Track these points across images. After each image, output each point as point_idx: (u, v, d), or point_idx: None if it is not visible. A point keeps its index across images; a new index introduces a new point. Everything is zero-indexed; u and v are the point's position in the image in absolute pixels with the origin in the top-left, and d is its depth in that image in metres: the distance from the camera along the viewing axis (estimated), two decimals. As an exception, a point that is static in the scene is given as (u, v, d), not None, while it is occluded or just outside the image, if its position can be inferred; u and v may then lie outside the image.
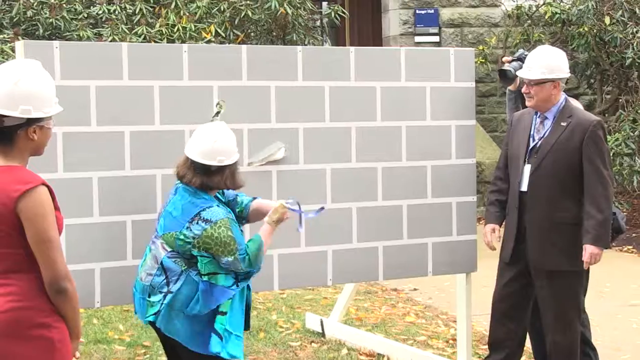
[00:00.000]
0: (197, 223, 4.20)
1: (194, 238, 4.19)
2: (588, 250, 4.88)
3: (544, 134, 5.03)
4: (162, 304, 4.24)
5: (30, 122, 3.16)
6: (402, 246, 5.47)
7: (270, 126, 5.11)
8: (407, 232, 5.48)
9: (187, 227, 4.21)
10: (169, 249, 4.28)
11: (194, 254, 4.22)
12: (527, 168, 5.03)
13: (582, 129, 4.96)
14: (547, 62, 5.00)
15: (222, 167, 4.30)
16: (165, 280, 4.26)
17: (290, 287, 5.22)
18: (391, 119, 5.43)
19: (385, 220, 5.42)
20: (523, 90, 5.08)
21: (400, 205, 5.46)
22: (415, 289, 8.41)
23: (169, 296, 4.23)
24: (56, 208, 3.19)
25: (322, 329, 6.68)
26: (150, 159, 4.80)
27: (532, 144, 5.05)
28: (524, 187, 5.02)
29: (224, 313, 4.25)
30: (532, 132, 5.07)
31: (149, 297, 4.29)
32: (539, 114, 5.08)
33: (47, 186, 3.15)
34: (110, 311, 7.24)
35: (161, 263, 4.28)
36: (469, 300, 5.68)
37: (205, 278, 4.22)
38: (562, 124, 5.01)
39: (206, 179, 4.29)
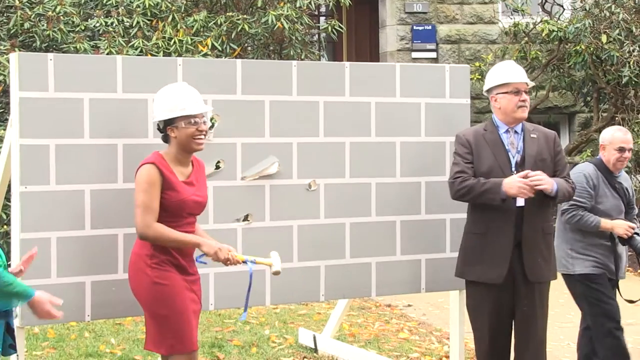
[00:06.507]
0: None
1: None
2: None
3: (521, 148, 5.01)
4: None
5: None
6: (395, 262, 5.46)
7: (264, 140, 5.11)
8: (400, 249, 5.47)
9: None
10: None
11: None
12: None
13: (550, 139, 5.08)
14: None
15: None
16: None
17: (282, 303, 5.21)
18: (386, 135, 5.43)
19: (379, 236, 5.41)
20: (521, 99, 4.98)
21: (393, 221, 5.45)
22: (409, 305, 8.39)
23: None
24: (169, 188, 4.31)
25: (315, 345, 6.65)
26: (143, 172, 4.78)
27: (513, 158, 4.99)
28: (521, 202, 4.92)
29: None
30: (507, 147, 5.00)
31: None
32: (506, 128, 5.02)
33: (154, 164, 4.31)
34: (102, 324, 7.21)
35: None
36: (462, 317, 5.66)
37: None
38: (532, 136, 5.04)
39: None
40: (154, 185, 4.28)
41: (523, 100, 4.99)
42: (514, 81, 5.01)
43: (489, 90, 5.10)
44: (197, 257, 4.49)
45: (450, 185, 5.04)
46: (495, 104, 5.05)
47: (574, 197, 5.38)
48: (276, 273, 4.51)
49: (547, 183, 4.86)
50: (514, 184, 4.82)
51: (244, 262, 4.45)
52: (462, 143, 5.06)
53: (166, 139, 4.43)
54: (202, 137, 4.40)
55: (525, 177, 4.84)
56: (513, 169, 4.97)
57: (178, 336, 4.30)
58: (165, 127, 4.39)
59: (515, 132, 5.04)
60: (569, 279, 5.69)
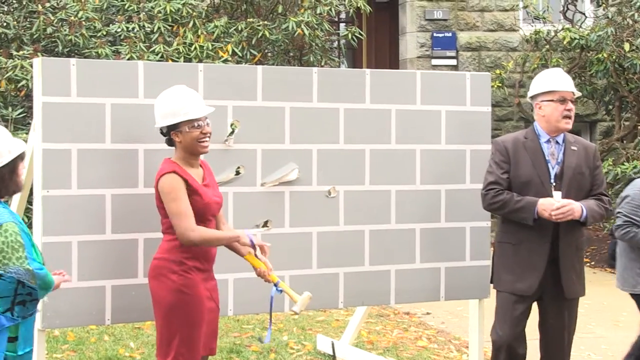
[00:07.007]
0: None
1: None
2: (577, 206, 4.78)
3: (561, 159, 4.93)
4: None
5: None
6: (414, 270, 5.44)
7: (284, 147, 5.11)
8: (419, 256, 5.45)
9: None
10: None
11: None
12: (558, 195, 4.85)
13: (590, 152, 4.98)
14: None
15: None
16: None
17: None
18: (406, 142, 5.42)
19: (398, 244, 5.40)
20: (567, 108, 4.88)
21: (413, 229, 5.44)
22: (427, 313, 8.35)
23: None
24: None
25: (333, 351, 6.63)
26: (164, 177, 4.79)
27: (552, 169, 4.92)
28: None
29: (14, 339, 3.70)
30: (547, 157, 4.95)
31: None
32: (547, 137, 4.97)
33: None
34: (122, 328, 7.23)
35: None
36: (481, 326, 5.64)
37: None
38: (573, 148, 4.95)
39: None
40: (183, 191, 4.28)
41: (569, 110, 4.89)
42: (560, 89, 4.90)
43: (533, 97, 4.99)
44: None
45: (483, 197, 4.99)
46: (539, 111, 4.94)
47: (628, 214, 5.30)
48: (293, 312, 4.50)
49: (576, 212, 4.76)
50: (548, 208, 4.74)
51: (275, 284, 4.44)
52: (500, 150, 4.96)
53: (171, 143, 4.44)
54: (207, 139, 4.39)
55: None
56: (552, 180, 4.88)
57: (185, 345, 4.30)
58: (169, 131, 4.39)
59: (557, 142, 4.95)
60: (637, 298, 5.58)
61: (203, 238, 4.28)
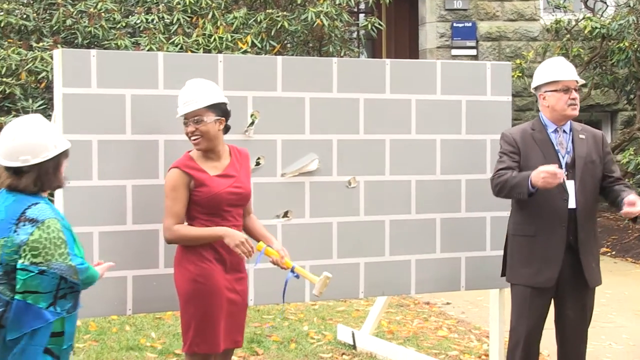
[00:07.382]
0: (24, 225, 3.57)
1: (20, 246, 3.55)
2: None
3: (570, 148, 4.90)
4: None
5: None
6: (435, 260, 5.44)
7: (304, 137, 5.11)
8: (440, 246, 5.44)
9: (15, 231, 3.57)
10: None
11: (18, 266, 3.55)
12: (571, 184, 4.83)
13: (598, 140, 4.96)
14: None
15: (32, 167, 3.64)
16: None
17: (321, 299, 5.22)
18: (426, 132, 5.40)
19: (419, 234, 5.39)
20: (571, 97, 4.85)
21: (433, 219, 5.42)
22: (448, 303, 8.35)
23: None
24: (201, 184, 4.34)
25: (354, 341, 6.64)
26: (184, 168, 4.81)
27: (562, 159, 4.88)
28: (573, 204, 4.80)
29: (60, 334, 3.66)
30: (556, 147, 4.90)
31: None
32: (554, 127, 4.92)
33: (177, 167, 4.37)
34: (143, 318, 7.27)
35: None
36: (501, 315, 5.63)
37: (19, 297, 3.54)
38: (581, 136, 4.92)
39: (15, 181, 3.65)
40: (177, 188, 4.33)
41: (573, 99, 4.85)
42: (564, 79, 4.86)
43: (537, 88, 4.95)
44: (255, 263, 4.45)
45: (491, 182, 4.97)
46: (543, 102, 4.90)
47: None
48: (316, 293, 4.50)
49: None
50: (539, 176, 4.62)
51: (291, 270, 4.44)
52: (509, 142, 4.93)
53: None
54: (195, 137, 4.36)
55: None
56: (563, 170, 4.82)
57: (200, 335, 4.31)
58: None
59: (564, 131, 4.91)
60: None
61: (177, 238, 4.34)
